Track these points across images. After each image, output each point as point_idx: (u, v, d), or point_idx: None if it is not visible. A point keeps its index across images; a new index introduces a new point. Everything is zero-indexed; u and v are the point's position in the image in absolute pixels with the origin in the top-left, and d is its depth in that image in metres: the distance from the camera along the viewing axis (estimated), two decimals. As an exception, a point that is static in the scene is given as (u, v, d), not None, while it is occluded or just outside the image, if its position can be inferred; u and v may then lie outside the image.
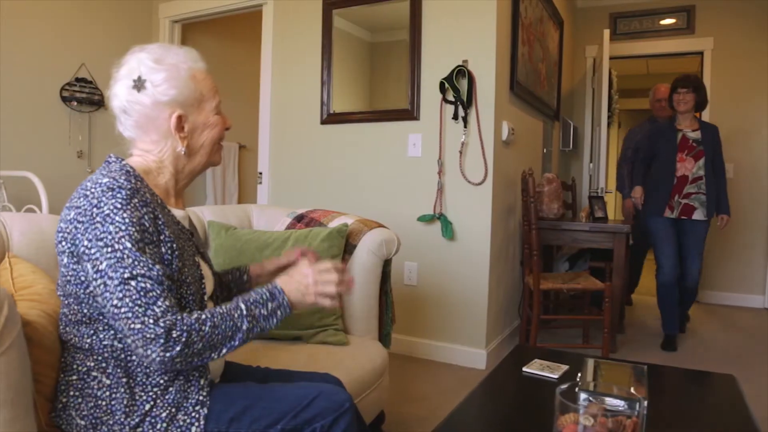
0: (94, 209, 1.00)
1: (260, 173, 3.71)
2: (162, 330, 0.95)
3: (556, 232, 3.39)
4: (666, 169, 3.38)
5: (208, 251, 1.89)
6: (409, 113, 3.13)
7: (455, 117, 2.99)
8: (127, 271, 0.97)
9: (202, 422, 1.07)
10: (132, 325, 0.95)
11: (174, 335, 0.96)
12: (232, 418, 1.08)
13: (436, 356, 3.08)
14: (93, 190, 1.02)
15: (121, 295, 0.96)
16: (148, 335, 0.95)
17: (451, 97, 2.99)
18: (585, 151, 5.06)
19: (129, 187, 1.03)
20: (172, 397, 1.07)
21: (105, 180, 1.03)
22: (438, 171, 3.06)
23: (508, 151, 3.25)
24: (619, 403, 0.89)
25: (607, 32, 4.26)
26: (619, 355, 3.16)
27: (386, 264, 2.14)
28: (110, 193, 1.01)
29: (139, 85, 1.10)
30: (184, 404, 1.07)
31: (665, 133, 3.44)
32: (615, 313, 3.20)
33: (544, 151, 4.09)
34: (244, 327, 1.05)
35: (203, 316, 1.01)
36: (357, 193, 3.32)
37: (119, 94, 1.12)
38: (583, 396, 0.98)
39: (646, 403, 0.93)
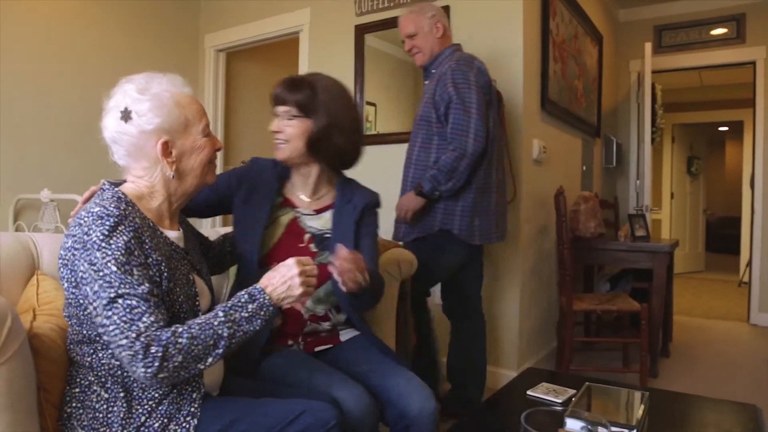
0: (85, 236, 1.06)
1: (297, 194, 3.79)
2: (140, 346, 0.99)
3: (593, 252, 3.31)
4: None
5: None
6: (440, 133, 3.13)
7: (484, 136, 2.98)
8: (113, 291, 1.02)
9: None
10: (119, 342, 1.00)
11: (152, 350, 0.99)
12: (219, 430, 1.12)
13: (467, 378, 3.04)
14: (85, 218, 1.08)
15: (109, 314, 1.01)
16: (130, 351, 0.99)
17: (479, 116, 2.98)
18: (631, 168, 4.91)
19: (117, 214, 1.07)
20: (165, 408, 1.12)
21: (96, 209, 1.08)
22: (468, 190, 3.05)
23: (541, 169, 3.20)
24: (577, 427, 0.87)
25: (648, 45, 4.15)
26: (659, 381, 3.03)
27: (404, 285, 2.14)
28: (99, 222, 1.06)
29: (125, 116, 1.16)
30: (177, 415, 1.12)
31: None
32: (654, 336, 3.07)
33: (584, 168, 4.00)
34: (225, 334, 1.07)
35: (180, 329, 1.04)
36: (383, 214, 3.33)
37: (108, 125, 1.18)
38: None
39: (612, 429, 0.90)
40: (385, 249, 2.15)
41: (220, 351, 1.07)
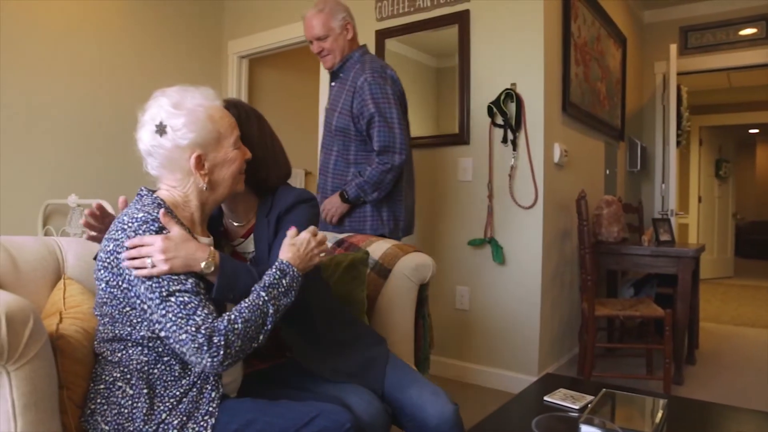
0: None
1: (318, 198, 3.82)
2: (203, 338, 1.06)
3: (615, 257, 3.26)
4: None
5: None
6: (460, 138, 3.13)
7: (504, 140, 2.97)
8: (164, 290, 1.09)
9: (209, 431, 1.13)
10: (179, 337, 1.07)
11: (215, 341, 1.07)
12: (236, 429, 1.14)
13: (487, 382, 3.03)
14: (129, 223, 1.13)
15: (163, 311, 1.08)
16: (194, 344, 1.06)
17: (499, 120, 2.98)
18: (656, 171, 4.83)
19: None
20: (184, 407, 1.15)
21: (140, 215, 1.13)
22: (488, 195, 3.04)
23: (562, 173, 3.17)
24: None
25: (674, 47, 4.09)
26: (684, 389, 2.98)
27: (423, 289, 2.14)
28: (145, 226, 1.12)
29: (160, 130, 1.20)
30: (195, 414, 1.15)
31: None
32: (679, 343, 3.02)
33: (607, 172, 3.95)
34: (271, 311, 1.16)
35: (233, 316, 1.11)
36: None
37: (144, 138, 1.22)
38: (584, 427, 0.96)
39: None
40: (404, 253, 2.16)
41: (269, 327, 1.16)
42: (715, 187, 7.47)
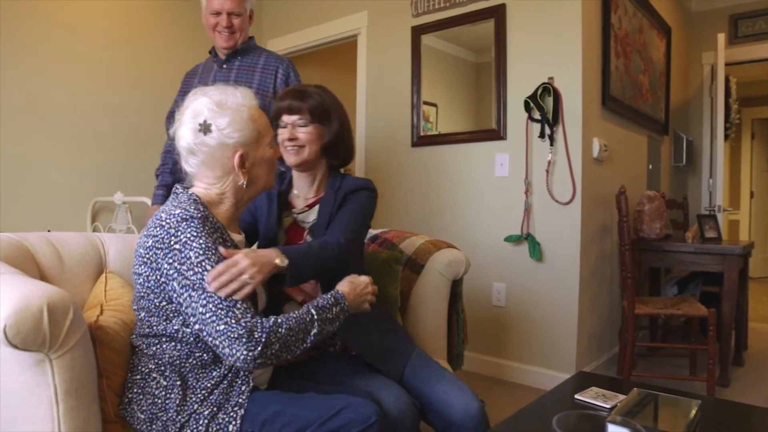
0: (172, 238, 1.15)
1: (355, 195, 3.85)
2: (244, 330, 1.08)
3: (658, 254, 3.18)
4: None
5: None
6: (496, 133, 3.11)
7: (542, 135, 2.93)
8: (206, 283, 1.11)
9: (238, 422, 1.17)
10: (217, 327, 1.09)
11: (256, 336, 1.09)
12: (264, 420, 1.17)
13: (523, 380, 3.00)
14: (168, 220, 1.17)
15: (204, 302, 1.10)
16: (232, 335, 1.08)
17: (536, 115, 2.94)
18: (703, 166, 4.67)
19: (199, 216, 1.17)
20: (215, 398, 1.19)
21: (177, 211, 1.17)
22: (525, 191, 3.01)
23: (602, 168, 3.11)
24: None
25: (722, 36, 3.94)
26: (730, 391, 2.88)
27: (456, 284, 2.14)
28: (185, 223, 1.15)
29: (204, 128, 1.23)
30: (225, 405, 1.19)
31: None
32: (725, 343, 2.92)
33: (650, 167, 3.84)
34: (314, 330, 1.18)
35: (279, 320, 1.14)
36: (444, 214, 3.35)
37: (185, 136, 1.25)
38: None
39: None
40: (437, 248, 2.16)
41: (307, 344, 1.18)
42: (768, 182, 7.17)
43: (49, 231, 1.60)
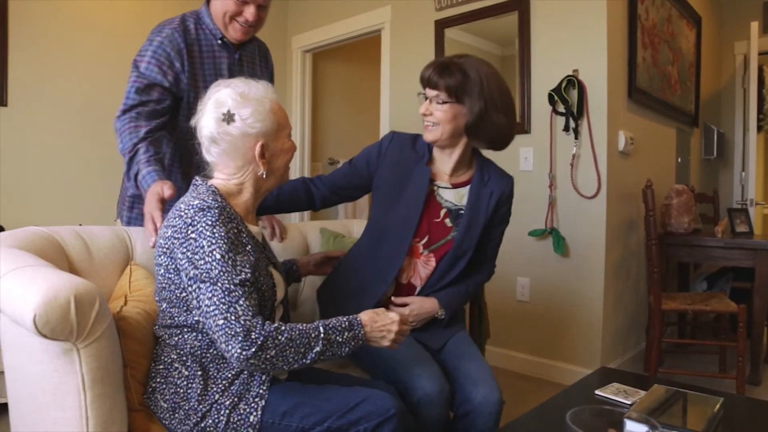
0: (189, 228, 1.17)
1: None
2: (241, 328, 1.08)
3: (686, 248, 3.12)
4: None
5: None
6: (521, 127, 3.08)
7: (566, 129, 2.90)
8: (214, 276, 1.12)
9: (259, 412, 1.19)
10: (217, 321, 1.10)
11: (252, 336, 1.08)
12: (285, 411, 1.19)
13: (547, 375, 2.98)
14: (185, 211, 1.19)
15: (209, 294, 1.11)
16: (229, 331, 1.08)
17: (561, 108, 2.91)
18: (735, 159, 4.56)
19: (216, 206, 1.19)
20: (236, 388, 1.21)
21: (196, 202, 1.19)
22: (549, 184, 2.98)
23: (628, 161, 3.06)
24: (632, 429, 0.84)
25: (755, 25, 3.83)
26: (762, 390, 2.81)
27: (478, 277, 2.13)
28: (201, 213, 1.17)
29: (228, 118, 1.25)
30: (246, 395, 1.21)
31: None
32: (756, 340, 2.85)
33: (678, 160, 3.77)
34: (318, 348, 1.14)
35: (282, 327, 1.12)
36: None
37: (208, 125, 1.27)
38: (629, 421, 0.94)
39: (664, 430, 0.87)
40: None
41: (307, 361, 1.14)
42: (805, 175, 6.95)
43: (80, 225, 1.64)
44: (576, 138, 2.87)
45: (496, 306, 3.01)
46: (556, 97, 2.89)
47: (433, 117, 1.53)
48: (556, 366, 2.96)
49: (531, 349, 3.08)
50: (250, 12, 1.79)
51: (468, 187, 1.62)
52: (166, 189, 1.47)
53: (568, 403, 1.44)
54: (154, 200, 1.48)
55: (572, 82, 2.85)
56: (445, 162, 1.62)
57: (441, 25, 3.41)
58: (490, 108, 1.51)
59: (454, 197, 1.62)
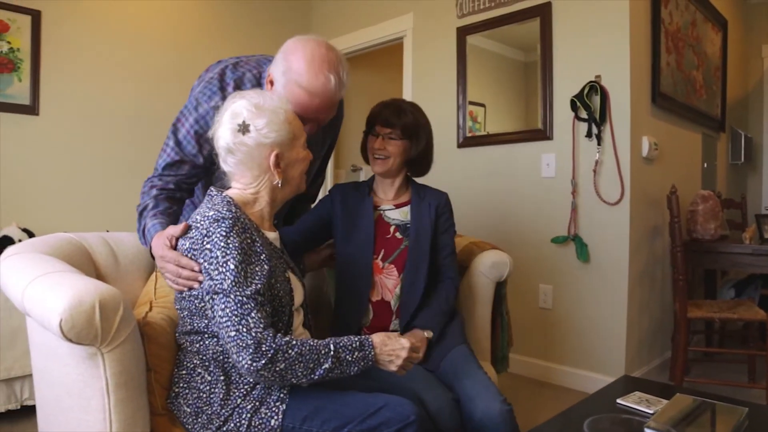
0: (205, 239, 1.20)
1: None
2: (252, 341, 1.11)
3: (712, 255, 3.06)
4: None
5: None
6: (543, 133, 3.07)
7: (588, 135, 2.88)
8: (227, 286, 1.15)
9: (280, 416, 1.20)
10: (229, 333, 1.13)
11: (263, 349, 1.11)
12: (305, 416, 1.20)
13: (571, 383, 2.95)
14: (202, 222, 1.22)
15: (222, 306, 1.15)
16: (241, 343, 1.11)
17: (583, 114, 2.88)
18: (764, 164, 4.46)
19: (230, 216, 1.21)
20: (257, 393, 1.23)
21: (211, 213, 1.22)
22: (572, 191, 2.96)
23: (652, 167, 3.02)
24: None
25: (783, 29, 3.76)
26: (791, 399, 2.74)
27: (500, 286, 2.12)
28: (216, 224, 1.20)
29: (243, 128, 1.28)
30: (267, 400, 1.22)
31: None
32: (786, 349, 2.78)
33: (704, 165, 3.70)
34: (326, 365, 1.17)
35: (293, 342, 1.15)
36: (490, 214, 3.32)
37: (224, 136, 1.30)
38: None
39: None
40: (480, 250, 2.15)
41: (315, 377, 1.17)
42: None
43: (107, 231, 1.68)
44: (599, 144, 2.85)
45: (519, 313, 2.99)
46: (578, 104, 2.87)
47: (386, 151, 1.77)
48: (580, 374, 2.93)
49: (554, 356, 3.05)
50: (311, 128, 1.53)
51: (409, 206, 1.84)
52: (170, 230, 1.31)
53: (588, 412, 1.43)
54: (161, 250, 1.31)
55: (595, 87, 2.83)
56: (387, 190, 1.86)
57: (463, 32, 3.42)
58: (429, 145, 1.85)
59: (399, 215, 1.83)
